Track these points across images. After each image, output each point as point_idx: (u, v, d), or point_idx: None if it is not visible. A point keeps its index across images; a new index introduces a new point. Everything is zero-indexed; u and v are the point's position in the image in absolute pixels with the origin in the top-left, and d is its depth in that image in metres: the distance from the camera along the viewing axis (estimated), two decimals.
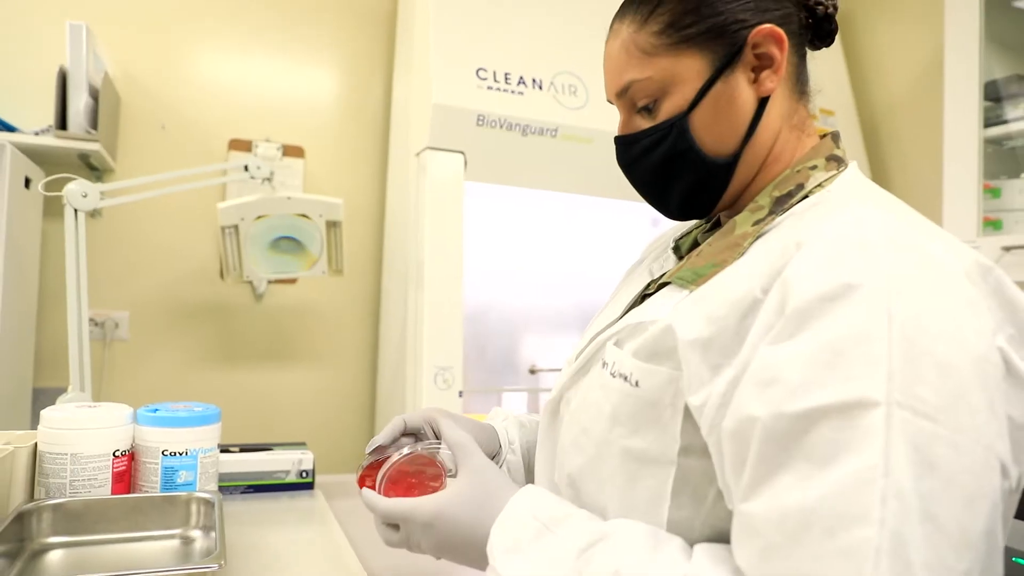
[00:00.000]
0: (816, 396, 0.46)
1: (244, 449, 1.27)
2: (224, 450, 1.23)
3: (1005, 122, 1.49)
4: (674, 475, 0.58)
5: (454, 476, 0.70)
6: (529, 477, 0.82)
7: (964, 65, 1.50)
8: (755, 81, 0.64)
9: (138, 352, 1.86)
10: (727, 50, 0.63)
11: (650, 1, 0.66)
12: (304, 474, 1.27)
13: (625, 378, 0.61)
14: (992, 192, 1.49)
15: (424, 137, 1.66)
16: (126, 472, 1.06)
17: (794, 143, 0.67)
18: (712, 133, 0.65)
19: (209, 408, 1.11)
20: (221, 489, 1.14)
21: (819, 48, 0.70)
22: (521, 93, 1.67)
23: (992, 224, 1.48)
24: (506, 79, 1.66)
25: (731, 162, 0.66)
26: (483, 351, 1.98)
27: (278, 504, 1.20)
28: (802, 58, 0.67)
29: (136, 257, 1.87)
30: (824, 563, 0.44)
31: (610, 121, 1.77)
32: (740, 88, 0.64)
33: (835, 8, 0.67)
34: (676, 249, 0.76)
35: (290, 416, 1.96)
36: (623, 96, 0.68)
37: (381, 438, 0.79)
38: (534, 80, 1.69)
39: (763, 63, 0.63)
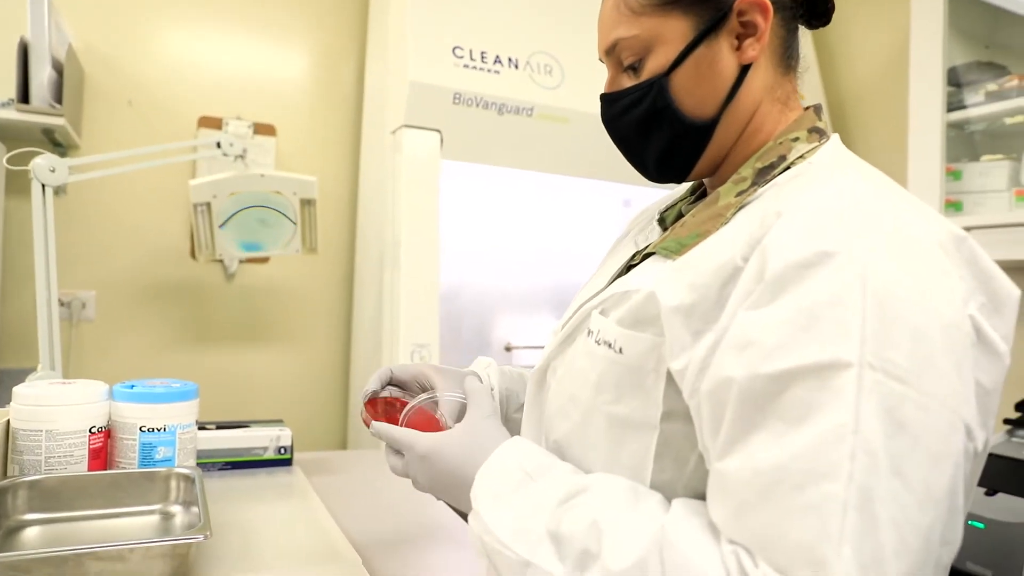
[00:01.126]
0: (791, 358, 0.48)
1: (221, 426, 1.27)
2: (200, 427, 1.22)
3: (965, 107, 1.54)
4: (656, 439, 0.60)
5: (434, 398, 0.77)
6: (508, 425, 0.83)
7: (928, 52, 1.54)
8: (738, 48, 0.65)
9: (105, 333, 1.82)
10: (712, 15, 0.64)
11: None
12: (282, 450, 1.27)
13: (609, 345, 0.63)
14: (953, 175, 1.54)
15: (400, 115, 1.65)
16: (102, 449, 1.05)
17: (776, 115, 0.68)
18: (692, 95, 0.66)
19: (187, 384, 1.10)
20: (199, 466, 1.14)
21: (815, 27, 0.70)
22: (497, 72, 1.67)
23: (953, 205, 1.53)
24: (482, 58, 1.65)
25: (709, 125, 0.67)
26: (457, 330, 1.98)
27: (256, 481, 1.20)
28: (792, 32, 0.68)
29: (102, 236, 1.83)
30: (793, 518, 0.46)
31: (585, 102, 1.80)
32: (722, 53, 0.65)
33: None
34: (661, 221, 0.78)
35: (264, 396, 1.94)
36: (611, 54, 0.69)
37: (372, 384, 0.83)
38: (510, 59, 1.69)
39: (747, 31, 0.64)
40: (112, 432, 1.06)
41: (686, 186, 0.81)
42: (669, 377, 0.58)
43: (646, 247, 0.73)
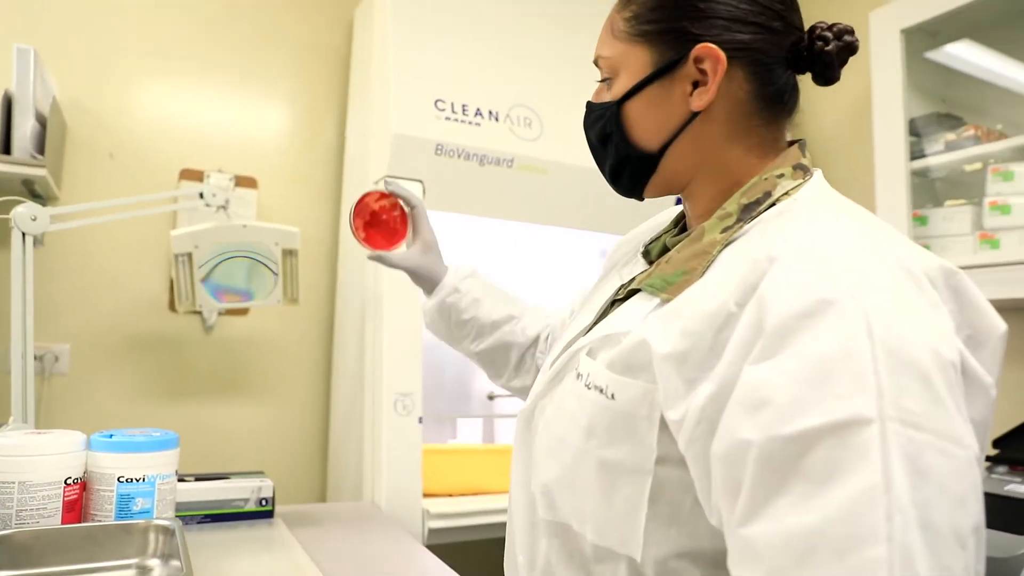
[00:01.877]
0: (809, 417, 0.47)
1: (200, 478, 1.24)
2: (179, 480, 1.19)
3: (926, 156, 1.60)
4: (651, 484, 0.59)
5: (412, 210, 1.08)
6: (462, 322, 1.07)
7: (890, 105, 1.62)
8: (691, 94, 0.67)
9: (79, 387, 1.78)
10: (670, 56, 0.67)
11: None
12: (264, 502, 1.24)
13: (601, 390, 0.62)
14: (920, 220, 1.60)
15: (383, 166, 1.67)
16: (77, 501, 1.02)
17: (753, 162, 0.68)
18: (639, 126, 0.70)
19: (167, 433, 1.08)
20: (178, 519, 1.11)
21: (821, 84, 0.70)
22: (478, 124, 1.71)
23: None
24: (464, 110, 1.70)
25: (653, 157, 0.70)
26: (440, 380, 1.97)
27: (237, 533, 1.17)
28: (773, 83, 0.68)
29: (79, 288, 1.80)
30: None
31: (564, 153, 1.84)
32: (674, 95, 0.68)
33: (840, 48, 0.67)
34: (646, 254, 0.79)
35: (242, 449, 1.90)
36: (597, 66, 0.74)
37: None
38: (491, 112, 1.74)
39: (703, 79, 0.66)
40: (88, 484, 1.04)
41: (670, 216, 0.83)
42: (662, 423, 0.58)
43: (631, 281, 0.74)
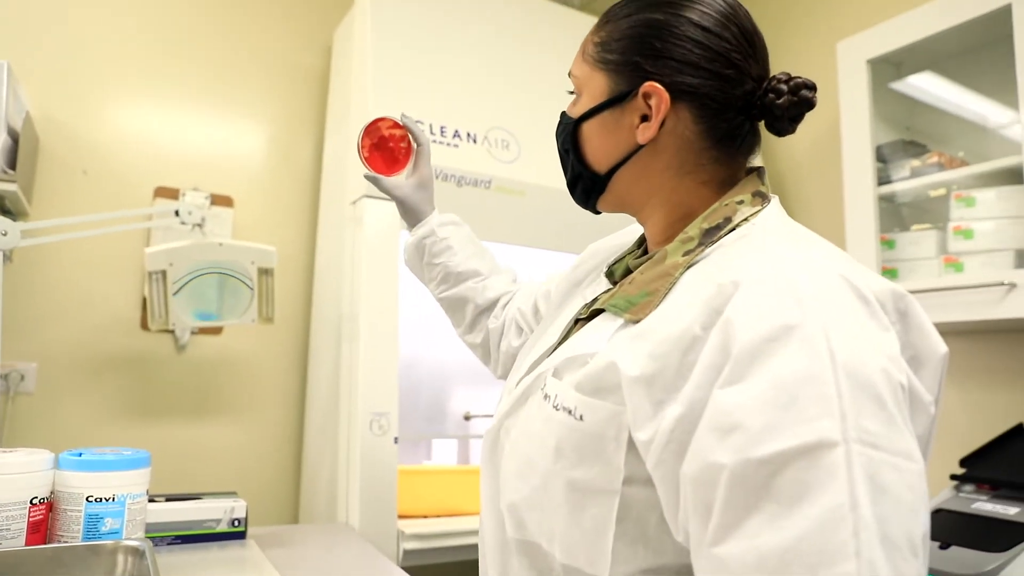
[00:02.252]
0: (779, 440, 0.49)
1: (171, 499, 1.21)
2: (150, 500, 1.17)
3: (892, 181, 1.65)
4: (618, 503, 0.60)
5: (418, 147, 1.15)
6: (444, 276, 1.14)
7: (857, 133, 1.67)
8: (637, 126, 0.70)
9: (45, 406, 1.74)
10: (624, 88, 0.71)
11: (605, 17, 0.75)
12: (236, 523, 1.22)
13: (569, 412, 0.64)
14: (888, 244, 1.64)
15: (361, 186, 1.68)
16: (43, 522, 1.00)
17: (706, 195, 0.71)
18: (590, 146, 0.75)
19: (138, 452, 1.06)
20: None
21: (774, 134, 0.72)
22: (456, 146, 1.73)
23: (890, 272, 1.62)
24: (442, 132, 1.71)
25: (601, 178, 0.74)
26: (416, 400, 1.96)
27: (209, 554, 1.14)
28: (719, 126, 0.69)
29: (47, 305, 1.77)
30: None
31: (541, 175, 1.86)
32: (623, 124, 0.71)
33: (793, 103, 0.68)
34: (609, 275, 0.81)
35: (214, 470, 1.87)
36: (571, 79, 0.78)
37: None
38: (468, 134, 1.76)
39: (650, 114, 0.69)
40: (55, 504, 1.01)
41: (633, 237, 0.85)
42: (630, 444, 0.60)
43: (593, 301, 0.76)
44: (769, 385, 0.51)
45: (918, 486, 0.51)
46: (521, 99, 1.87)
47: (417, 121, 1.67)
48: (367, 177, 1.15)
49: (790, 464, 0.49)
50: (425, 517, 1.66)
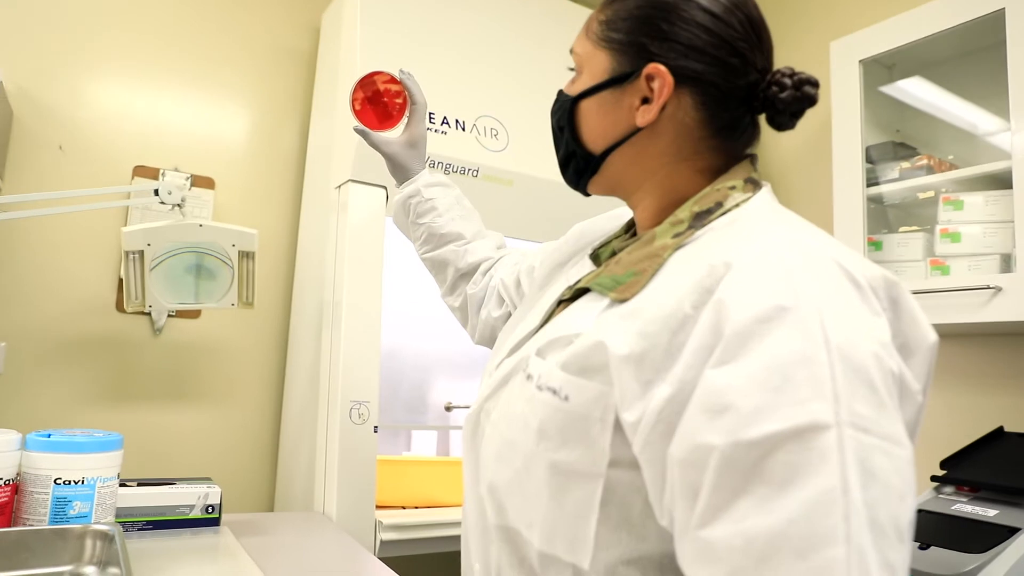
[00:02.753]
0: (771, 422, 0.48)
1: (143, 483, 1.18)
2: (121, 485, 1.14)
3: (882, 183, 1.65)
4: (602, 486, 0.59)
5: (414, 106, 1.14)
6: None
7: (848, 134, 1.66)
8: (637, 108, 0.69)
9: (14, 388, 1.70)
10: (626, 69, 0.69)
11: None
12: (210, 509, 1.19)
13: (554, 391, 0.62)
14: (875, 245, 1.64)
15: (346, 170, 1.65)
16: (8, 504, 0.97)
17: (699, 181, 0.70)
18: (587, 126, 0.73)
19: (110, 434, 1.03)
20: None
21: (774, 128, 0.71)
22: (444, 132, 1.70)
23: None
24: (430, 118, 1.68)
25: (595, 159, 0.73)
26: (397, 390, 1.94)
27: (181, 541, 1.11)
28: (721, 115, 0.69)
29: (19, 284, 1.72)
30: None
31: (529, 165, 1.84)
32: (623, 105, 0.70)
33: (796, 98, 0.67)
34: (595, 258, 0.79)
35: (188, 456, 1.83)
36: (572, 54, 0.76)
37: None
38: (457, 121, 1.73)
39: (651, 97, 0.68)
40: (21, 486, 0.98)
41: (621, 221, 0.83)
42: (616, 425, 0.58)
43: (577, 282, 0.74)
44: (762, 366, 0.50)
45: (906, 472, 0.50)
46: (512, 88, 1.85)
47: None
48: (356, 130, 1.14)
49: (781, 446, 0.48)
50: (404, 508, 1.64)
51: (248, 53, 2.03)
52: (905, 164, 1.63)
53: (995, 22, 1.45)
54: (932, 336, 0.59)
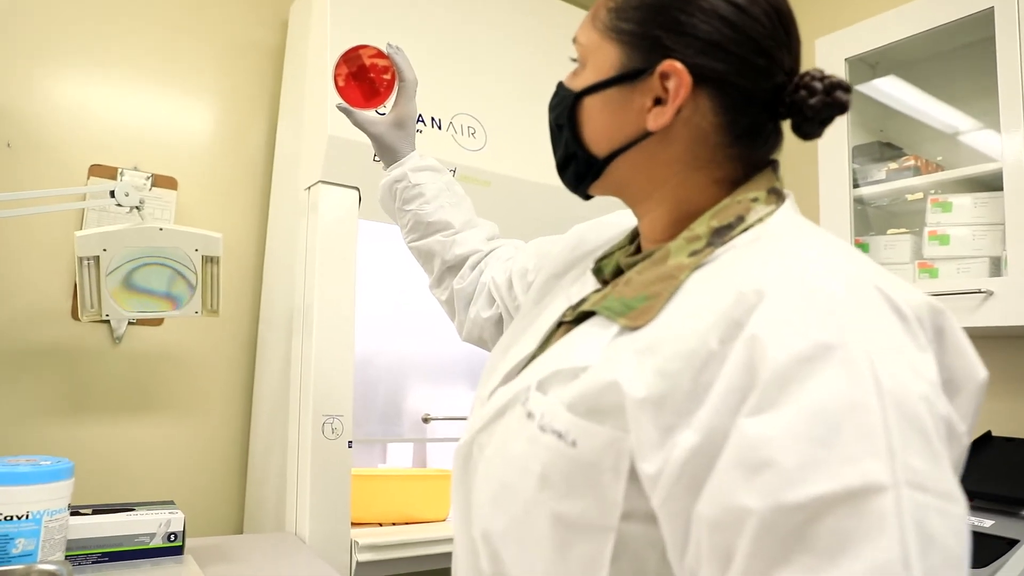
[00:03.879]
0: (818, 483, 0.43)
1: (99, 511, 1.10)
2: (75, 513, 1.05)
3: (869, 183, 1.62)
4: (613, 541, 0.52)
5: (402, 83, 1.06)
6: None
7: (835, 133, 1.63)
8: (649, 110, 0.62)
9: None
10: (638, 64, 0.62)
11: None
12: (172, 537, 1.11)
13: (559, 435, 0.55)
14: (862, 247, 1.61)
15: (316, 171, 1.57)
16: None
17: (717, 193, 0.63)
18: (590, 125, 0.66)
19: (59, 462, 0.95)
20: (69, 559, 0.97)
21: (800, 137, 0.64)
22: (420, 131, 1.63)
23: None
24: None
25: (597, 162, 0.66)
26: (372, 400, 1.87)
27: (141, 573, 1.03)
28: (742, 121, 0.62)
29: None
30: None
31: (507, 166, 1.77)
32: (633, 106, 0.63)
33: (826, 104, 0.60)
34: (598, 271, 0.73)
35: (151, 474, 1.73)
36: (575, 44, 0.69)
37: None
38: (433, 119, 1.66)
39: (666, 97, 0.61)
40: None
41: (624, 228, 0.77)
42: (631, 475, 0.52)
43: (580, 303, 0.68)
44: (805, 415, 0.44)
45: (964, 533, 0.45)
46: (490, 85, 1.78)
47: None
48: (340, 108, 1.06)
49: (830, 510, 0.42)
50: (380, 525, 1.57)
51: (212, 46, 1.93)
52: (892, 165, 1.60)
53: (983, 20, 1.42)
54: (982, 372, 0.54)
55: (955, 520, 0.44)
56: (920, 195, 1.58)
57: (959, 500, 0.45)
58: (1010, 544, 1.13)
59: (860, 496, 0.42)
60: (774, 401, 0.45)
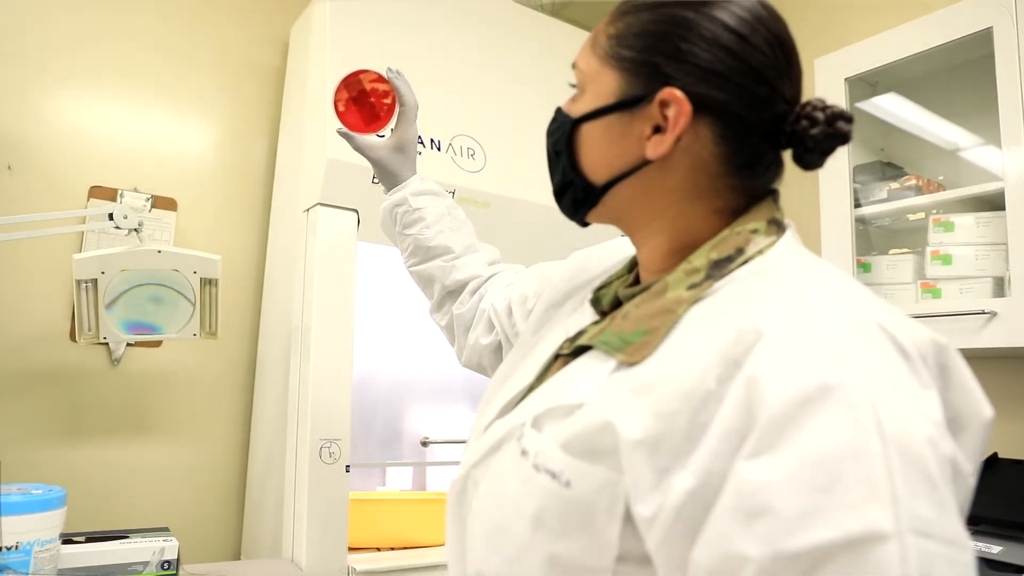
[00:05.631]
0: (818, 530, 0.42)
1: (92, 538, 1.08)
2: (67, 540, 1.04)
3: (870, 203, 1.61)
4: None
5: (403, 108, 1.06)
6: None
7: (835, 153, 1.63)
8: (648, 138, 0.61)
9: None
10: (638, 91, 0.61)
11: (624, 7, 0.65)
12: (166, 565, 1.10)
13: (553, 475, 0.54)
14: (864, 267, 1.60)
15: (315, 193, 1.57)
16: None
17: (715, 223, 0.62)
18: (588, 152, 0.65)
19: (52, 490, 0.94)
20: None
21: (801, 167, 0.63)
22: (419, 152, 1.62)
23: None
24: None
25: (595, 189, 0.65)
26: (370, 423, 1.85)
27: None
28: (742, 151, 0.61)
29: None
30: None
31: (507, 187, 1.77)
32: (632, 133, 0.62)
33: (828, 135, 0.59)
34: (596, 302, 0.72)
35: (147, 499, 1.71)
36: (573, 71, 0.68)
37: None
38: (432, 140, 1.66)
39: (665, 126, 0.60)
40: None
41: (624, 255, 0.76)
42: (626, 516, 0.51)
43: (577, 336, 0.67)
44: (805, 459, 0.43)
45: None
46: (489, 106, 1.78)
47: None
48: (340, 133, 1.06)
49: (831, 559, 0.41)
50: (379, 550, 1.55)
51: (213, 67, 1.94)
52: (893, 184, 1.59)
53: (982, 39, 1.42)
54: (987, 411, 0.52)
55: (962, 567, 0.43)
56: (922, 215, 1.57)
57: (966, 546, 0.44)
58: (1019, 571, 1.10)
59: (862, 544, 0.41)
60: (773, 444, 0.44)
